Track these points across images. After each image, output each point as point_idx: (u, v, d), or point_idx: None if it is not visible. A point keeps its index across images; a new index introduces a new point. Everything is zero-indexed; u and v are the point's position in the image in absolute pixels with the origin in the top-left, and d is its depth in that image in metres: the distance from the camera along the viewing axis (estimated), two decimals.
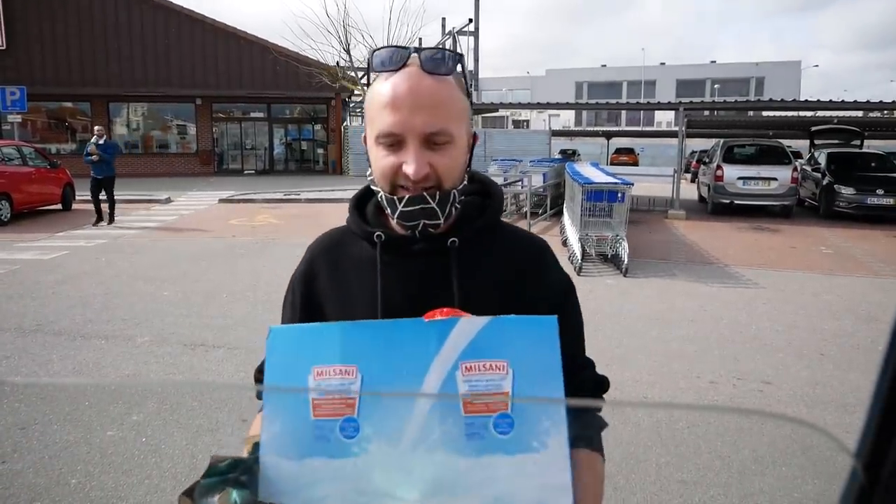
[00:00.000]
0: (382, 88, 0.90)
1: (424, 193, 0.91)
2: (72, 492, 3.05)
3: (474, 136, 0.99)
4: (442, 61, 0.90)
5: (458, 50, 19.64)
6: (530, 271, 0.99)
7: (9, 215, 12.11)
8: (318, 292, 1.02)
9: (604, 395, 1.03)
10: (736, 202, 14.07)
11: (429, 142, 0.89)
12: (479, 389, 0.73)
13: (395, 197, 0.93)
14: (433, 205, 0.92)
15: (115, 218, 12.21)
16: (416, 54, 0.91)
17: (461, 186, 0.96)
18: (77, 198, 14.73)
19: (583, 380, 0.97)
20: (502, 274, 0.98)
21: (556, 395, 0.74)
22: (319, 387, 0.75)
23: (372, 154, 0.94)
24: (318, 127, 27.59)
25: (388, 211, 0.96)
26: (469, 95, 0.96)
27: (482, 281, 0.96)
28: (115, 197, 12.19)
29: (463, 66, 0.94)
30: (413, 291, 0.95)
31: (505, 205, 1.15)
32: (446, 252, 0.96)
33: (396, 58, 0.90)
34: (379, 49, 0.91)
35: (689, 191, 18.31)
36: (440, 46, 0.97)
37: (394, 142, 0.90)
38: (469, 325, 0.76)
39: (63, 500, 2.98)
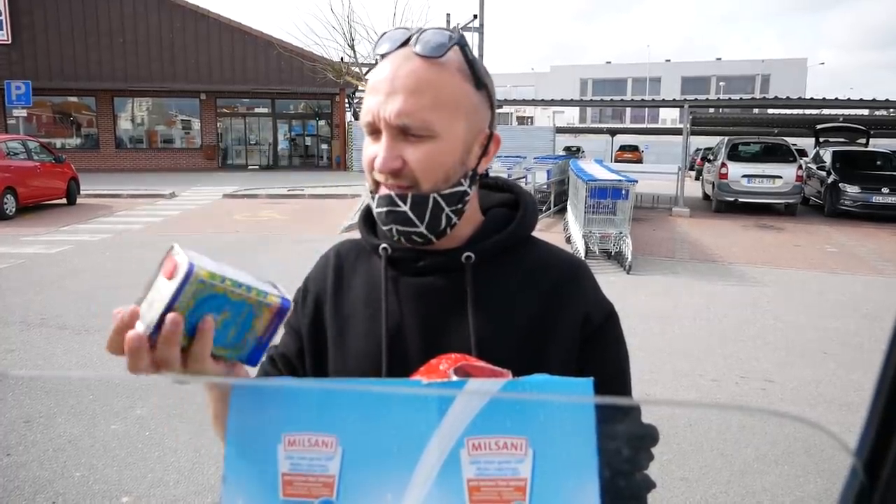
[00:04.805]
0: (371, 73, 0.82)
1: (392, 194, 0.79)
2: (75, 485, 3.07)
3: (491, 136, 0.86)
4: (435, 42, 0.78)
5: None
6: (560, 296, 0.87)
7: (14, 209, 12.15)
8: (324, 299, 0.94)
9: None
10: (740, 200, 14.03)
11: (403, 133, 0.77)
12: (489, 474, 0.58)
13: (373, 195, 0.83)
14: (404, 208, 0.79)
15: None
16: (417, 35, 0.80)
17: (448, 191, 0.81)
18: (82, 192, 14.79)
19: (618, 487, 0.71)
20: (527, 299, 0.86)
21: (588, 486, 0.58)
22: (291, 459, 0.62)
23: None
24: (322, 122, 27.61)
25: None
26: (482, 87, 0.83)
27: (503, 306, 0.86)
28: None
29: (466, 53, 0.81)
30: (423, 313, 0.86)
31: None
32: (462, 269, 0.85)
33: (394, 38, 0.81)
34: (384, 33, 0.83)
35: (694, 188, 18.28)
36: (446, 27, 0.83)
37: (372, 131, 0.80)
38: (478, 389, 0.61)
39: (67, 493, 3.00)
